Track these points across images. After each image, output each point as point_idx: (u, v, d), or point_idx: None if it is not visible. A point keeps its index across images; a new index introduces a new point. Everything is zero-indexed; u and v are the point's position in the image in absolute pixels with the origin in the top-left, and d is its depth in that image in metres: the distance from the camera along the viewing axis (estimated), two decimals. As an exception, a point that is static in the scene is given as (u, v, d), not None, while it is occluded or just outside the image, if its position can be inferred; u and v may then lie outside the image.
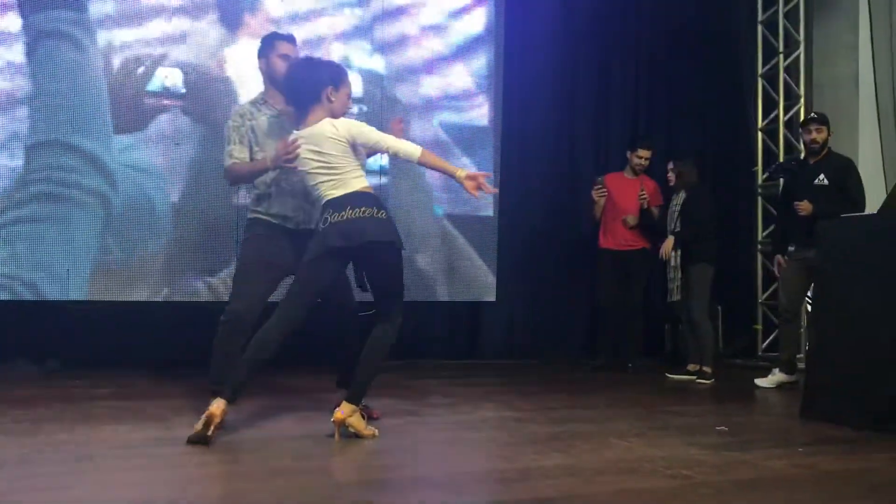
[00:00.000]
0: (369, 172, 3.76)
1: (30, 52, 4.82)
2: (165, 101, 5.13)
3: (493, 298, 6.11)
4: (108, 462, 2.84)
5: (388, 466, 2.93)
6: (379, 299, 3.40)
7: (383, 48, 5.77)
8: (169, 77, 5.14)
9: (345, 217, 3.24)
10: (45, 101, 4.82)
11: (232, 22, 5.34)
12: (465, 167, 5.92)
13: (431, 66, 5.95)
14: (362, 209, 3.25)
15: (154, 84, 5.10)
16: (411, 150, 3.32)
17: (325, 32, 5.58)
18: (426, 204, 5.87)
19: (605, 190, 5.80)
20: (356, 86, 5.24)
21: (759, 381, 5.22)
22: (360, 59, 5.69)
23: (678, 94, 6.96)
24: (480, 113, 6.13)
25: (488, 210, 6.12)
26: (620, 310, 5.81)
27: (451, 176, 3.35)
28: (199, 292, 5.17)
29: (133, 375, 4.78)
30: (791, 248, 5.17)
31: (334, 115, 3.36)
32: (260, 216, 3.64)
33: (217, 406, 3.09)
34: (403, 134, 3.62)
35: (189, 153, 5.18)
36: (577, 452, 3.15)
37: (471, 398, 4.52)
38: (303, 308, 3.29)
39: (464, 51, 6.07)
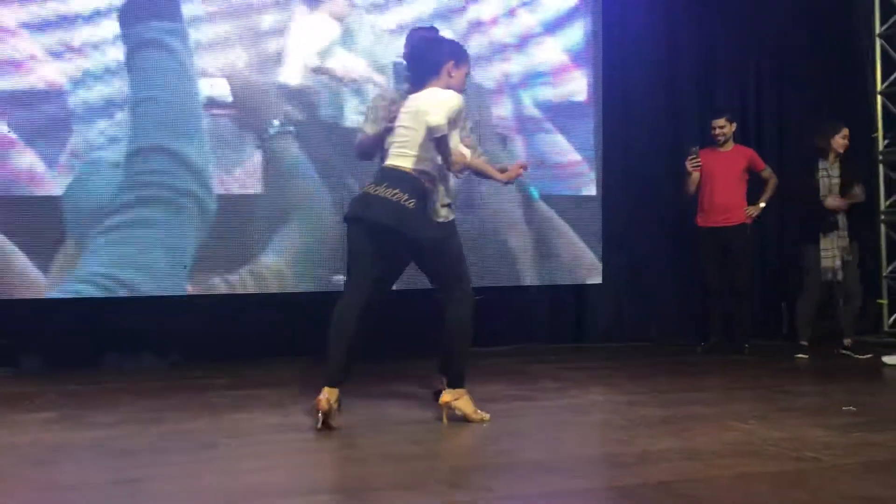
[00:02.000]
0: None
1: (129, 60, 5.01)
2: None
3: (598, 280, 6.00)
4: (231, 450, 2.95)
5: (502, 451, 2.92)
6: (432, 280, 3.38)
7: (473, 28, 5.71)
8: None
9: (377, 192, 3.22)
10: (143, 107, 5.00)
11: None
12: (561, 146, 5.91)
13: (523, 42, 5.84)
14: (393, 190, 3.19)
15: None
16: (463, 160, 3.36)
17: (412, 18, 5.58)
18: (521, 187, 5.82)
19: (699, 161, 5.59)
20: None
21: (886, 359, 4.94)
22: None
23: (788, 58, 6.64)
24: (578, 88, 5.99)
25: (591, 189, 6.00)
26: (729, 289, 5.61)
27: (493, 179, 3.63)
28: (315, 283, 5.27)
29: (248, 366, 4.94)
30: None
31: None
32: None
33: (322, 394, 3.16)
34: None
35: (290, 149, 5.28)
36: (693, 436, 3.06)
37: (580, 382, 4.46)
38: (361, 281, 3.29)
39: (557, 25, 5.93)
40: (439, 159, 3.27)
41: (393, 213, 3.18)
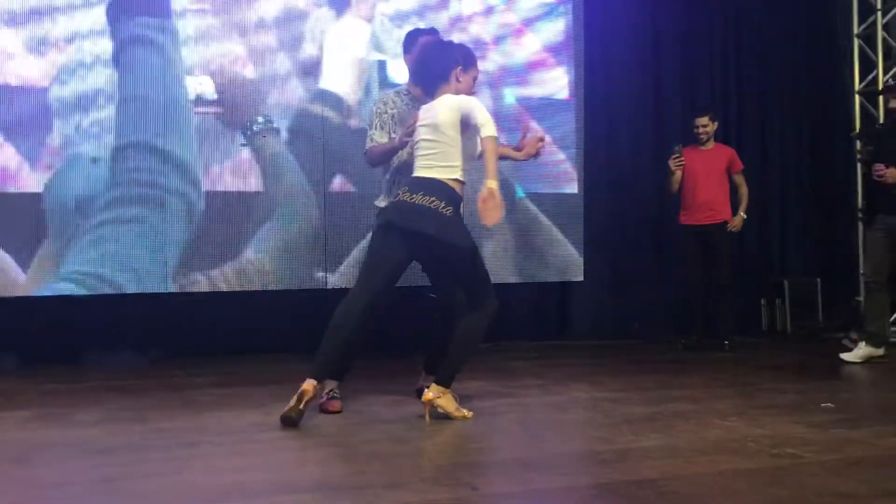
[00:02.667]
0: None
1: (117, 55, 4.96)
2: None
3: (580, 278, 6.03)
4: (212, 448, 2.93)
5: (484, 449, 2.93)
6: (464, 291, 3.42)
7: (453, 23, 5.70)
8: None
9: (414, 200, 3.25)
10: (129, 104, 4.96)
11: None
12: (547, 142, 5.89)
13: (502, 38, 5.84)
14: (430, 198, 3.24)
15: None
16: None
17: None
18: (507, 184, 5.83)
19: (682, 160, 5.62)
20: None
21: (844, 356, 4.97)
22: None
23: (769, 58, 6.70)
24: (560, 85, 6.00)
25: (573, 187, 6.01)
26: (709, 286, 5.65)
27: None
28: (298, 281, 5.26)
29: (230, 363, 4.92)
30: (878, 216, 4.96)
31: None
32: (384, 207, 3.69)
33: (307, 383, 3.19)
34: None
35: (274, 146, 5.26)
36: (676, 433, 3.09)
37: (562, 379, 4.48)
38: (375, 282, 3.33)
39: (536, 20, 5.94)
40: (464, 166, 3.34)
41: (433, 222, 3.22)
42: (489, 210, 3.15)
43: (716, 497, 2.35)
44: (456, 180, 3.31)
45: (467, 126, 3.29)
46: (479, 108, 3.28)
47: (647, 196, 6.34)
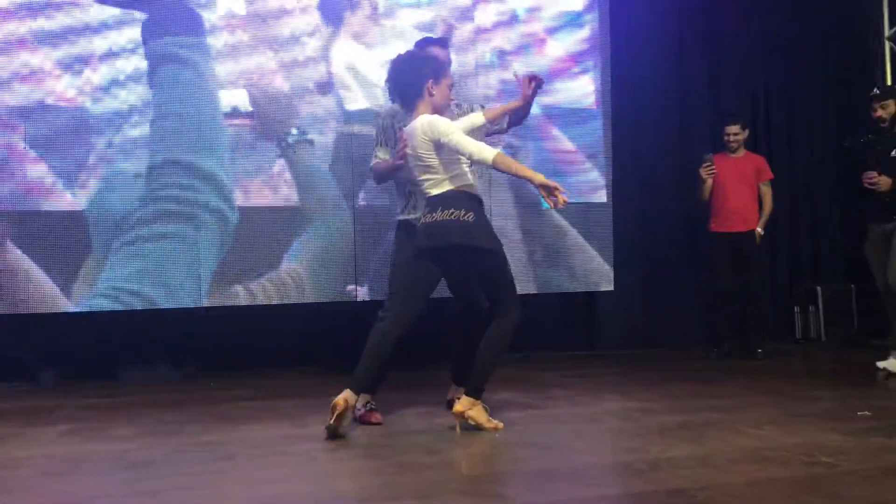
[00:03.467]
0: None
1: (150, 74, 5.07)
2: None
3: (610, 287, 6.01)
4: (248, 460, 2.97)
5: (514, 459, 2.93)
6: (489, 296, 3.44)
7: (478, 33, 5.73)
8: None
9: (435, 218, 3.31)
10: (164, 120, 5.05)
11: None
12: (574, 151, 5.92)
13: (525, 48, 5.84)
14: (450, 211, 3.28)
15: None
16: (485, 153, 3.26)
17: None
18: (533, 195, 5.83)
19: (713, 168, 5.60)
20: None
21: (882, 364, 4.87)
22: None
23: (798, 63, 6.65)
24: (585, 94, 5.99)
25: (601, 196, 6.00)
26: (740, 295, 5.61)
27: (529, 181, 3.27)
28: (330, 294, 5.30)
29: (263, 376, 4.98)
30: (870, 226, 4.94)
31: (436, 109, 3.41)
32: (402, 219, 3.75)
33: (341, 396, 3.24)
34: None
35: (307, 159, 5.32)
36: (708, 442, 3.07)
37: (592, 389, 4.47)
38: (412, 306, 3.39)
39: (561, 29, 5.93)
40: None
41: (457, 231, 3.27)
42: (556, 190, 3.16)
43: (749, 507, 2.33)
44: (466, 185, 3.35)
45: (440, 146, 3.32)
46: (439, 124, 3.29)
47: (675, 204, 6.30)
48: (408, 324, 3.42)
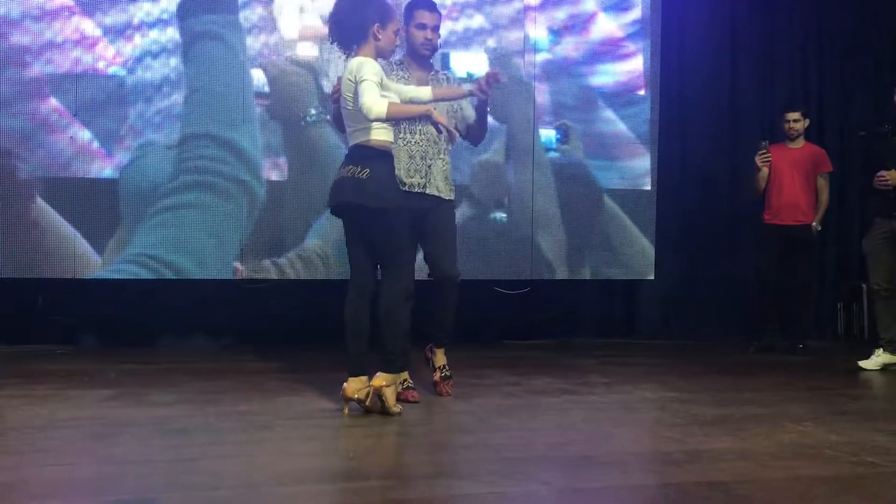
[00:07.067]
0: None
1: (185, 49, 5.12)
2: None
3: (651, 276, 5.94)
4: (285, 431, 2.99)
5: (553, 444, 2.91)
6: (375, 260, 3.29)
7: (526, 11, 5.67)
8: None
9: (341, 174, 3.20)
10: (196, 95, 5.10)
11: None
12: (620, 136, 5.85)
13: (573, 28, 5.78)
14: (350, 167, 3.16)
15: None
16: (376, 107, 3.01)
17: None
18: (585, 178, 5.78)
19: (769, 156, 5.43)
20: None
21: (863, 363, 4.79)
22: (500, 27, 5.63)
23: (852, 49, 6.48)
24: (634, 78, 5.90)
25: (646, 183, 5.92)
26: (787, 289, 5.49)
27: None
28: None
29: (298, 349, 5.01)
30: (875, 221, 4.81)
31: (382, 54, 3.26)
32: None
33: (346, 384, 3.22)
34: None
35: (330, 139, 5.31)
36: (748, 436, 3.02)
37: (630, 378, 4.43)
38: (356, 272, 3.28)
39: (611, 9, 5.87)
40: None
41: (350, 188, 3.13)
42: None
43: (789, 503, 2.29)
44: (377, 139, 3.16)
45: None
46: (359, 67, 3.09)
47: (721, 193, 6.21)
48: (363, 287, 3.24)
